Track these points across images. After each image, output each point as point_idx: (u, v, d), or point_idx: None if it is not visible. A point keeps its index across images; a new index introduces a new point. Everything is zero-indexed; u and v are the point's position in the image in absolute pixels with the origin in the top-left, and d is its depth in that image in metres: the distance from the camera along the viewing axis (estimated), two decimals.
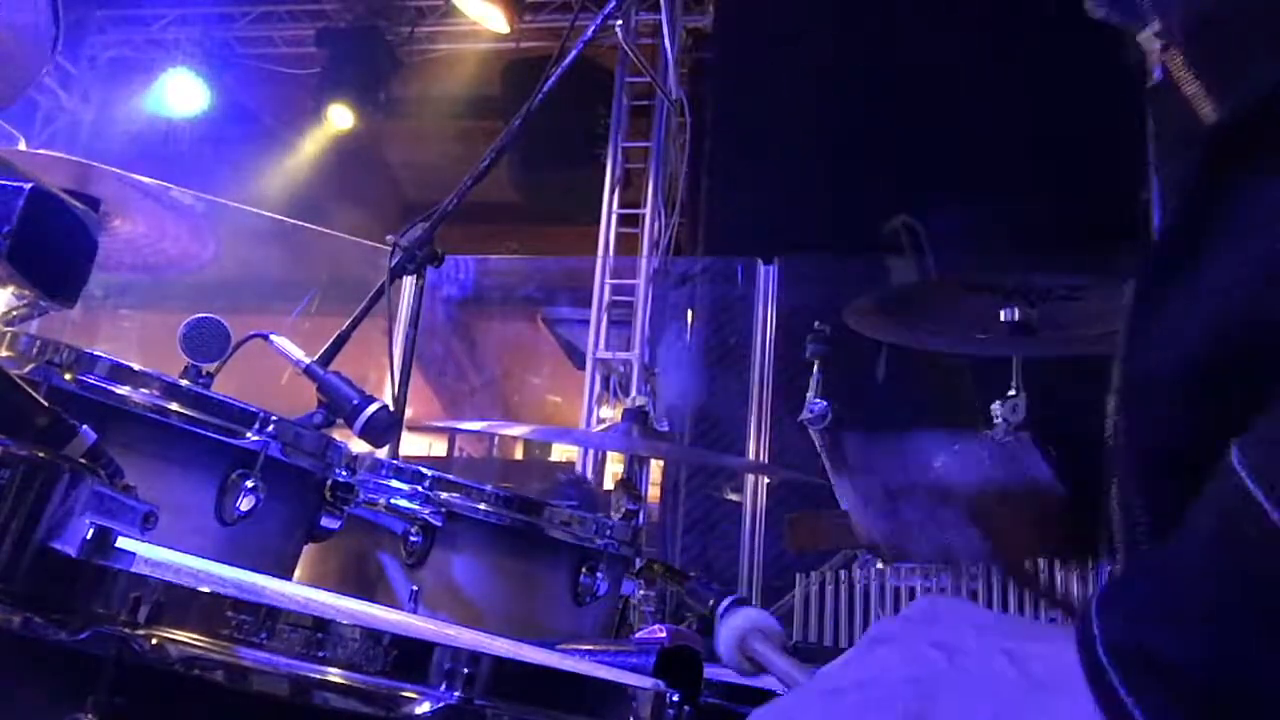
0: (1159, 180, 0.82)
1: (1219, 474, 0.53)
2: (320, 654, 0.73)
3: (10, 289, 1.26)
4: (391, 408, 1.62)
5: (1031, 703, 0.56)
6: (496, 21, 6.92)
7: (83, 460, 0.85)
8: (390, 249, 2.11)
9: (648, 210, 6.40)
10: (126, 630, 0.69)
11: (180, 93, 7.55)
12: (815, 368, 3.15)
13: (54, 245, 1.01)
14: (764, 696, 1.23)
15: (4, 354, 1.28)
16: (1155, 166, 0.82)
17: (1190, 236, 0.61)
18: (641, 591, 1.98)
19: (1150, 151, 0.82)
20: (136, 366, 1.33)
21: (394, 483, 1.70)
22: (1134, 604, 0.56)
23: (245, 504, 1.36)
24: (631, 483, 2.13)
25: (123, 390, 1.31)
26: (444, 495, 1.70)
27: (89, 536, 0.72)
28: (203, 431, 1.35)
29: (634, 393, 5.78)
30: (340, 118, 7.54)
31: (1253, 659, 0.50)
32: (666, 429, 5.24)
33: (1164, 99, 0.73)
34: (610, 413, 5.98)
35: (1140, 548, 0.65)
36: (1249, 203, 0.58)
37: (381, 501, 1.65)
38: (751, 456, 5.12)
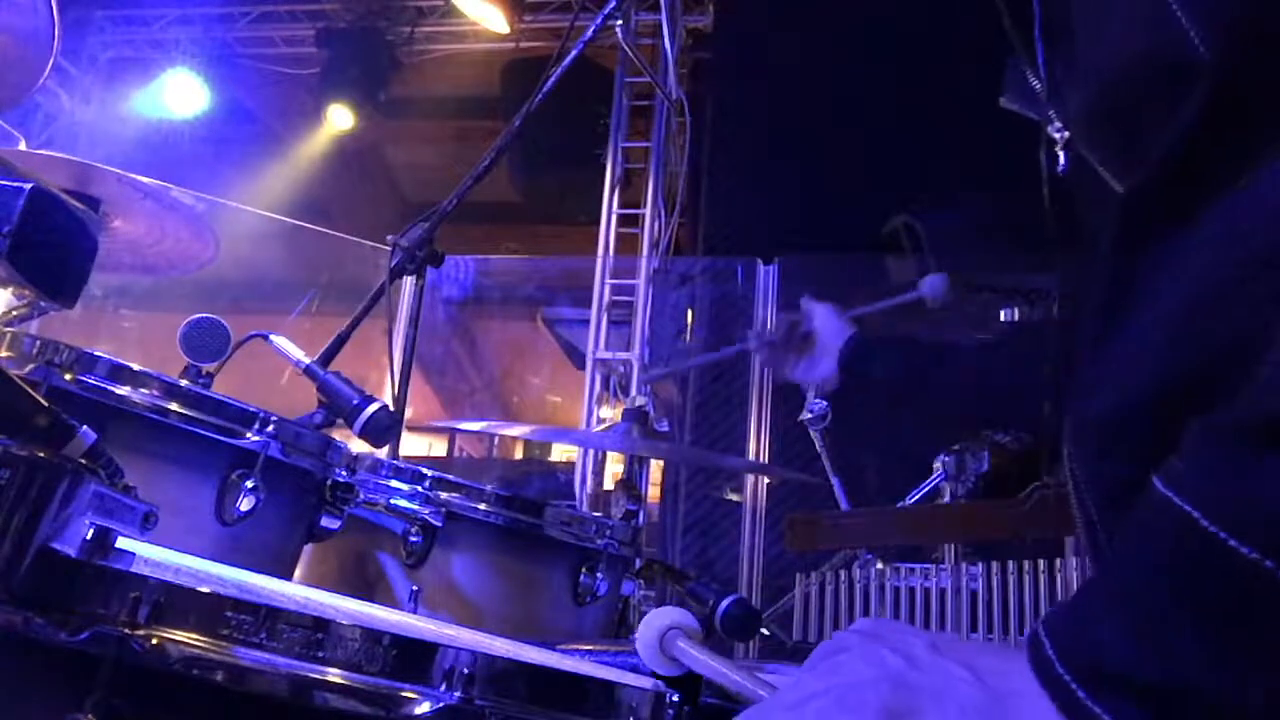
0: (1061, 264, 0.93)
1: (1146, 502, 0.57)
2: (320, 654, 0.73)
3: (10, 289, 1.26)
4: (391, 408, 1.61)
5: (996, 709, 0.60)
6: (496, 21, 6.91)
7: (83, 460, 0.85)
8: (390, 249, 2.11)
9: (648, 210, 6.40)
10: (126, 630, 0.69)
11: (180, 93, 7.55)
12: None
13: (54, 245, 1.01)
14: None
15: (4, 354, 1.27)
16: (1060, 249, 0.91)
17: (1117, 290, 0.67)
18: (641, 591, 1.98)
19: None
20: (136, 366, 1.33)
21: (394, 483, 1.70)
22: (1085, 618, 0.60)
23: (245, 504, 1.36)
24: (631, 483, 2.12)
25: (123, 390, 1.31)
26: (444, 495, 1.70)
27: (89, 536, 0.72)
28: (203, 431, 1.35)
29: (634, 393, 5.78)
30: (340, 118, 7.54)
31: (1191, 658, 0.53)
32: (666, 429, 5.24)
33: (1067, 187, 0.84)
34: (610, 413, 5.97)
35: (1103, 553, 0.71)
36: (1159, 263, 0.64)
37: (381, 501, 1.65)
38: (751, 456, 5.12)
